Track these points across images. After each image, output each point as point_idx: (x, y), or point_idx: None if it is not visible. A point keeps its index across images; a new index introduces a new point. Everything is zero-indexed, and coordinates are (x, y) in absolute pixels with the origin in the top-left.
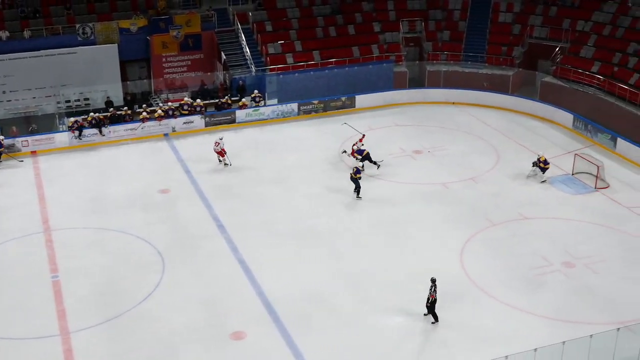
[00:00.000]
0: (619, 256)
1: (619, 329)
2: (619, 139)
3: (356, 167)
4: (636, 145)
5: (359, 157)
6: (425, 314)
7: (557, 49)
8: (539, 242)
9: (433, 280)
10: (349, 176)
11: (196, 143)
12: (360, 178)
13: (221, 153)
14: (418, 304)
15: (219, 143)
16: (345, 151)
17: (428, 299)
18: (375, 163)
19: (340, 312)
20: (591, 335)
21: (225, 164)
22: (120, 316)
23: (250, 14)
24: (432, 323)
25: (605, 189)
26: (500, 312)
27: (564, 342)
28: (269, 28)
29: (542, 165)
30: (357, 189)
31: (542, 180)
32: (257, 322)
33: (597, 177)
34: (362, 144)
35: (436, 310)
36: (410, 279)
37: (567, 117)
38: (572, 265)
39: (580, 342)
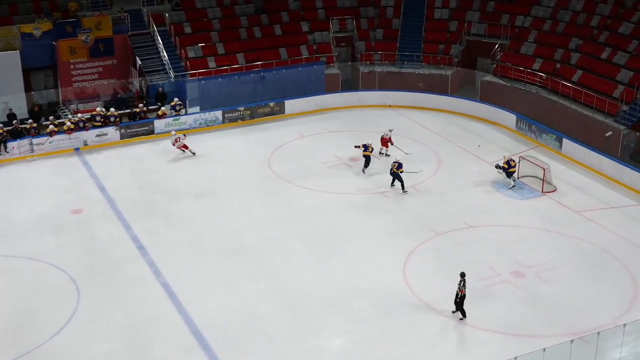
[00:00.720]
0: (570, 263)
1: (572, 340)
2: (564, 140)
3: (397, 162)
4: (582, 145)
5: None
6: (453, 311)
7: (496, 46)
8: (486, 252)
9: (462, 275)
10: (390, 170)
11: (111, 157)
12: (402, 172)
13: (185, 147)
14: (360, 324)
15: (178, 139)
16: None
17: (457, 294)
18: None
19: (276, 336)
20: (544, 349)
21: (193, 153)
22: (33, 352)
23: (166, 15)
24: (460, 319)
25: (553, 192)
26: (447, 327)
27: (516, 358)
28: (187, 30)
29: (505, 166)
30: (402, 183)
31: (510, 185)
32: (185, 351)
33: (543, 180)
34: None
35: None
36: (350, 296)
37: (509, 118)
38: (522, 274)
39: (533, 356)
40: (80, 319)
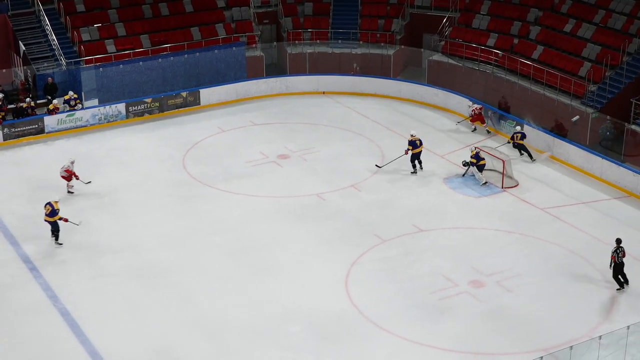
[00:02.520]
0: (536, 269)
1: (542, 357)
2: (525, 127)
3: (520, 132)
4: (546, 132)
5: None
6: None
7: (444, 20)
8: (440, 259)
9: (618, 241)
10: (511, 144)
11: None
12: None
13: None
14: (295, 353)
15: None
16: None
17: (611, 262)
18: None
19: None
20: None
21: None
22: None
23: None
24: (617, 290)
25: (514, 187)
26: (398, 349)
27: None
28: (80, 8)
29: (473, 160)
30: (528, 153)
31: (482, 182)
32: None
33: (503, 174)
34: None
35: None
36: (283, 319)
37: (462, 103)
38: (481, 284)
39: None
40: None
